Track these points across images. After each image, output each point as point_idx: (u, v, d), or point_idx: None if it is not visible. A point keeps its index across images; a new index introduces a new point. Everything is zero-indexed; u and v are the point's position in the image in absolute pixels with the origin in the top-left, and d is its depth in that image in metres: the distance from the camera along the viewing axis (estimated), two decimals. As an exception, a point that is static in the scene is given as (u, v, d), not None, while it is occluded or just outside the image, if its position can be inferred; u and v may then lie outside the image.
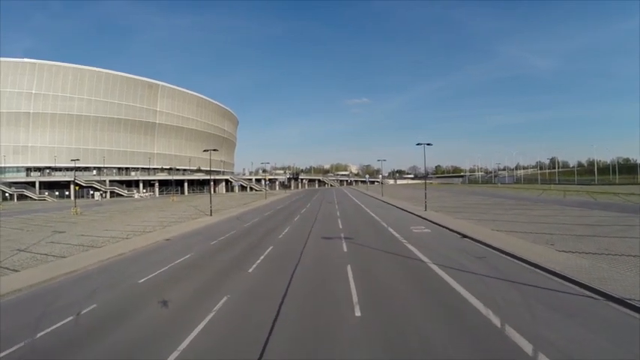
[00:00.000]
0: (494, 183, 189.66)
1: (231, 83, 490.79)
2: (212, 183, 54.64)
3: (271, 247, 25.47)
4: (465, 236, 27.79)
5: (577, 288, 14.91)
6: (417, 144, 51.14)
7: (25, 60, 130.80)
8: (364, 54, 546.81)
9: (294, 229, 35.72)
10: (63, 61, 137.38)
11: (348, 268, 19.04)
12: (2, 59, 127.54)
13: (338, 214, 48.10)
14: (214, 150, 63.28)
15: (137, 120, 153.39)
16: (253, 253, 23.88)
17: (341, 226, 36.03)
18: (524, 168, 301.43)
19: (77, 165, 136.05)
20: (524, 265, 18.94)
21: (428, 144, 50.72)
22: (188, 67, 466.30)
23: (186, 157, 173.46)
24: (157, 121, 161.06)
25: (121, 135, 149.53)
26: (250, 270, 19.51)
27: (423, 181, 65.94)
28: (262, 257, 22.53)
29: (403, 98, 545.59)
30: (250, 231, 35.11)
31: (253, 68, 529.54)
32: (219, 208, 60.65)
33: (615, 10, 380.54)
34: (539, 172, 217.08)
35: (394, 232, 30.98)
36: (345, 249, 24.39)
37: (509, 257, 20.67)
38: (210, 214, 49.62)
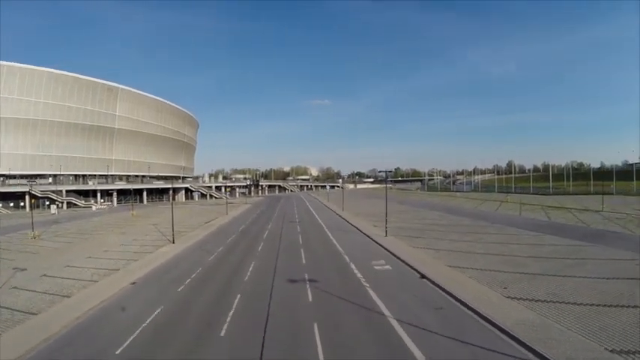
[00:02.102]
0: (452, 191, 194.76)
1: (191, 85, 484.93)
2: (172, 207, 54.34)
3: (239, 296, 26.18)
4: (423, 276, 29.61)
5: (523, 350, 16.94)
6: (380, 171, 53.33)
7: None
8: (327, 55, 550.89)
9: (260, 263, 36.67)
10: (15, 62, 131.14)
11: (315, 328, 20.13)
12: None
13: (301, 241, 49.03)
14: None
15: (95, 125, 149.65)
16: (221, 305, 24.45)
17: (304, 261, 36.97)
18: (482, 172, 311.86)
19: (32, 172, 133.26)
20: (478, 320, 20.76)
21: (388, 171, 52.90)
22: (147, 68, 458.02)
23: (146, 163, 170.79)
24: (116, 126, 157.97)
25: (79, 141, 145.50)
26: (222, 333, 20.17)
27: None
28: (233, 310, 23.41)
29: (364, 100, 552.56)
30: (217, 268, 35.72)
31: (214, 69, 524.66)
32: (181, 230, 60.38)
33: (571, 19, 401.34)
34: (496, 177, 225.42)
35: (356, 271, 32.33)
36: (310, 298, 25.48)
37: (464, 309, 22.44)
38: (173, 241, 49.78)
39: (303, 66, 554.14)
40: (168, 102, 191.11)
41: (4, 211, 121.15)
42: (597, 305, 21.86)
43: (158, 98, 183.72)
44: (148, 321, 22.18)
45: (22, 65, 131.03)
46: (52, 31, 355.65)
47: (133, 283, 30.93)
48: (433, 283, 27.70)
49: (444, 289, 25.93)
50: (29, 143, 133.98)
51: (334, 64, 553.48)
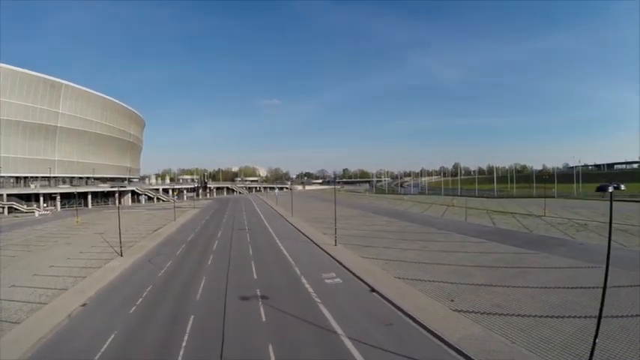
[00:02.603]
0: (400, 193, 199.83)
1: (138, 81, 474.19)
2: (119, 217, 54.20)
3: (192, 317, 27.10)
4: (373, 290, 31.53)
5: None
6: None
7: None
8: (278, 55, 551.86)
9: (212, 279, 37.58)
10: None
11: (270, 350, 21.57)
12: None
13: (251, 252, 50.01)
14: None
15: (37, 123, 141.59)
16: (175, 329, 25.21)
17: (255, 276, 37.96)
18: (429, 174, 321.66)
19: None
20: (427, 335, 22.96)
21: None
22: (92, 63, 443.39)
23: (90, 164, 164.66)
24: (59, 125, 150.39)
25: (19, 140, 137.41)
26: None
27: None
28: (187, 334, 24.36)
29: (315, 101, 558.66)
30: (168, 284, 36.27)
31: (161, 65, 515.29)
32: (129, 240, 60.09)
33: (522, 29, 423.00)
34: (442, 180, 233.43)
35: (307, 285, 33.86)
36: (263, 317, 26.69)
37: (413, 324, 24.54)
38: (121, 254, 49.64)
39: (253, 65, 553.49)
40: (114, 99, 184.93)
41: None
42: (540, 317, 24.52)
43: (104, 95, 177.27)
44: (102, 349, 22.71)
45: None
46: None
47: (84, 305, 31.08)
48: (383, 297, 29.60)
49: (393, 304, 27.88)
50: None
51: (285, 63, 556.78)
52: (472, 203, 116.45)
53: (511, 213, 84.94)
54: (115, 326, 26.16)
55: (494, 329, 22.72)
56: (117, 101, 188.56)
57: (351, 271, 37.82)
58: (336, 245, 50.76)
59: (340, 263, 41.46)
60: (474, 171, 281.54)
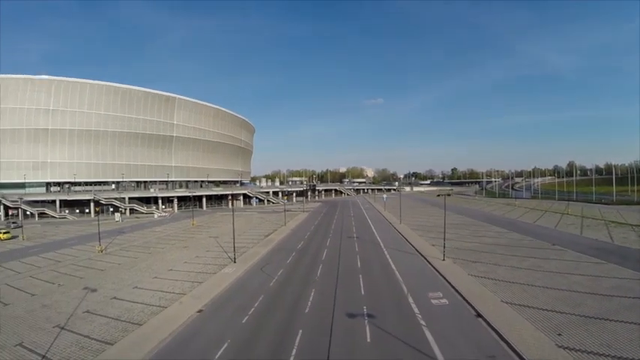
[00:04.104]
0: (511, 197, 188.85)
1: (244, 88, 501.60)
2: (234, 228, 56.15)
3: (301, 332, 27.13)
4: (479, 315, 29.61)
5: None
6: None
7: (43, 77, 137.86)
8: (379, 53, 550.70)
9: (320, 292, 37.40)
10: (78, 77, 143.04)
11: None
12: (20, 76, 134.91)
13: (359, 265, 49.13)
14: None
15: (155, 134, 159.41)
16: (285, 342, 25.45)
17: (363, 292, 37.16)
18: (541, 174, 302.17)
19: (96, 180, 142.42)
20: None
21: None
22: (202, 76, 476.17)
23: (204, 168, 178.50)
24: (175, 134, 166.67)
25: (139, 149, 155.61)
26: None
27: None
28: (295, 349, 24.41)
29: (419, 98, 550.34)
30: (278, 295, 36.77)
31: (266, 72, 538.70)
32: (241, 245, 62.78)
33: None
34: (556, 181, 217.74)
35: (414, 305, 32.50)
36: (368, 337, 26.02)
37: (516, 358, 22.43)
38: (234, 261, 51.66)
39: (354, 64, 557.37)
40: (224, 109, 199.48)
41: (70, 217, 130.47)
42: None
43: (214, 106, 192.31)
44: (215, 359, 23.60)
45: (86, 81, 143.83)
46: (109, 46, 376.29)
47: (200, 311, 32.69)
48: (488, 324, 27.68)
49: (498, 333, 25.89)
50: (93, 152, 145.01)
51: (386, 61, 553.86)
52: (588, 211, 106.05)
53: (631, 225, 75.42)
54: (228, 335, 27.04)
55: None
56: (227, 110, 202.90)
57: (458, 291, 35.88)
58: (444, 260, 48.59)
59: (447, 281, 39.68)
60: (590, 170, 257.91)
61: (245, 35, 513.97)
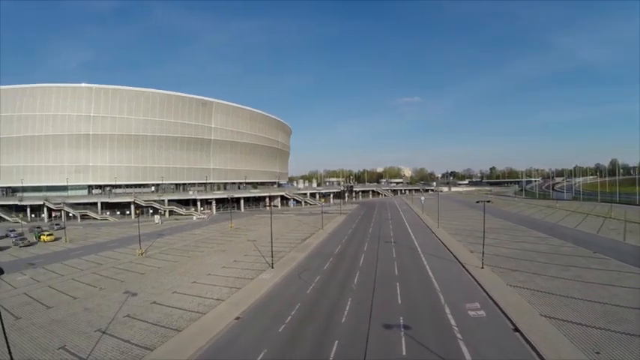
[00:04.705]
0: (552, 198, 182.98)
1: (280, 90, 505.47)
2: (272, 236, 56.51)
3: (336, 343, 27.16)
4: (516, 329, 28.97)
5: None
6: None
7: (83, 85, 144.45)
8: (414, 51, 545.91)
9: (357, 300, 37.18)
10: (117, 83, 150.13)
11: None
12: (62, 85, 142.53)
13: (396, 271, 48.61)
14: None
15: (193, 137, 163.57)
16: (321, 353, 25.59)
17: (400, 300, 36.88)
18: (583, 173, 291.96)
19: (136, 182, 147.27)
20: None
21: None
22: (238, 79, 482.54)
23: (241, 170, 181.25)
24: (212, 138, 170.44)
25: (178, 152, 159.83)
26: None
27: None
28: (332, 357, 24.67)
29: (455, 95, 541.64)
30: (315, 303, 36.86)
31: (302, 72, 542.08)
32: (279, 249, 62.97)
33: None
34: (598, 181, 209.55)
35: (450, 317, 31.98)
36: (404, 350, 25.84)
37: None
38: (272, 266, 52.08)
39: (389, 63, 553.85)
40: (260, 111, 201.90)
41: (111, 219, 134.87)
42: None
43: (250, 108, 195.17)
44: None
45: (124, 87, 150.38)
46: (145, 52, 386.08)
47: (237, 319, 33.24)
48: (526, 339, 27.04)
49: (535, 350, 25.30)
50: (133, 156, 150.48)
51: (421, 59, 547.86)
52: (632, 215, 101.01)
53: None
54: (265, 344, 27.45)
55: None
56: (264, 113, 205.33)
57: (496, 303, 35.02)
58: (482, 268, 47.49)
59: (485, 291, 38.78)
60: (634, 168, 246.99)
61: (279, 37, 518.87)
